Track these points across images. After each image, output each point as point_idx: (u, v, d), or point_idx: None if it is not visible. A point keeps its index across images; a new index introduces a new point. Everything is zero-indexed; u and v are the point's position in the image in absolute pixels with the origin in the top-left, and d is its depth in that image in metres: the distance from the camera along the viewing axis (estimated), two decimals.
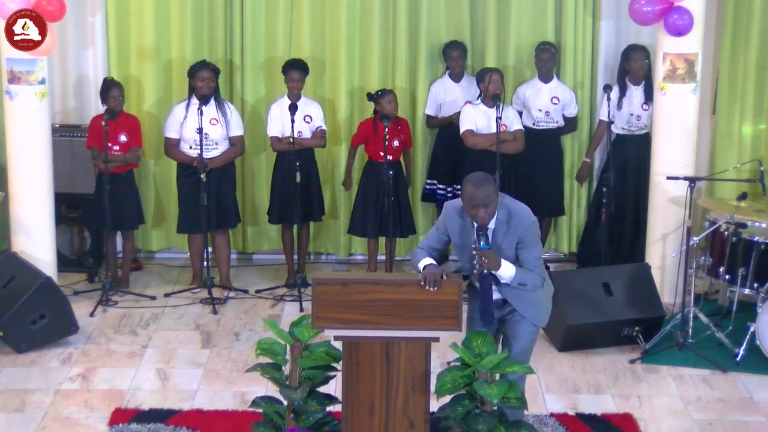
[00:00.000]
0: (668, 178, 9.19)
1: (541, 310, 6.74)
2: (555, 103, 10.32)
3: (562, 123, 10.43)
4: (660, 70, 9.42)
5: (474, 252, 6.45)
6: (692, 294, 8.79)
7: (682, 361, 8.54)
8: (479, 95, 10.02)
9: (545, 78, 10.35)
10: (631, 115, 10.16)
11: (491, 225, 6.49)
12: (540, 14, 10.61)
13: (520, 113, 10.26)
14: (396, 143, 9.95)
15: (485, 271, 6.47)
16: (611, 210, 9.99)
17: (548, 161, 10.39)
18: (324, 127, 10.08)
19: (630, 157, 10.20)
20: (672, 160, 9.47)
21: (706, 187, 10.58)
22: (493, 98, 9.74)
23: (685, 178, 8.99)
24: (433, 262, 6.41)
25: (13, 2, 8.99)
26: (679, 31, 9.16)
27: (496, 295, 6.63)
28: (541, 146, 10.25)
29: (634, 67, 10.16)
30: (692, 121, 9.50)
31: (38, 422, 7.52)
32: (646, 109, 10.20)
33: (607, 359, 8.64)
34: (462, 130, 9.94)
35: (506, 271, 6.48)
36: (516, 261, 6.52)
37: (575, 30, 10.58)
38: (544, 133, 10.35)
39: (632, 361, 8.56)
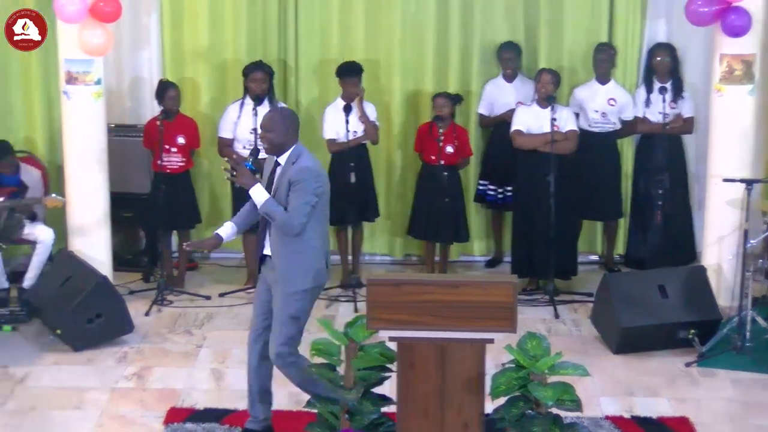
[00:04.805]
0: (724, 180, 9.12)
1: (297, 276, 6.87)
2: (612, 105, 10.27)
3: (618, 125, 10.38)
4: (716, 71, 9.34)
5: (231, 162, 6.92)
6: (749, 297, 8.71)
7: (740, 364, 8.46)
8: (534, 96, 9.98)
9: (602, 79, 10.31)
10: (659, 113, 10.10)
11: (282, 161, 6.87)
12: (594, 15, 10.58)
13: (577, 115, 10.20)
14: (450, 149, 9.92)
15: (237, 185, 7.00)
16: (664, 212, 10.00)
17: (604, 164, 10.35)
18: (377, 123, 10.09)
19: (659, 155, 10.14)
20: (728, 161, 9.40)
21: (764, 189, 10.48)
22: (547, 99, 9.70)
23: (742, 180, 8.92)
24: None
25: (72, 4, 9.05)
26: (736, 32, 9.08)
27: (266, 251, 6.96)
28: (597, 149, 10.21)
29: (659, 65, 10.23)
30: (749, 123, 9.42)
31: (95, 420, 7.57)
32: (673, 107, 10.16)
33: (662, 362, 8.58)
34: (511, 130, 9.90)
35: (258, 195, 6.82)
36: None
37: (626, 31, 10.55)
38: (600, 135, 10.29)
39: (688, 364, 8.49)
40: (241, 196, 9.82)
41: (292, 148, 6.86)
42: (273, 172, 6.91)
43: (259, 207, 6.84)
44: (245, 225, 7.17)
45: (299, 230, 6.76)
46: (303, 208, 6.73)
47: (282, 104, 10.07)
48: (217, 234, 7.05)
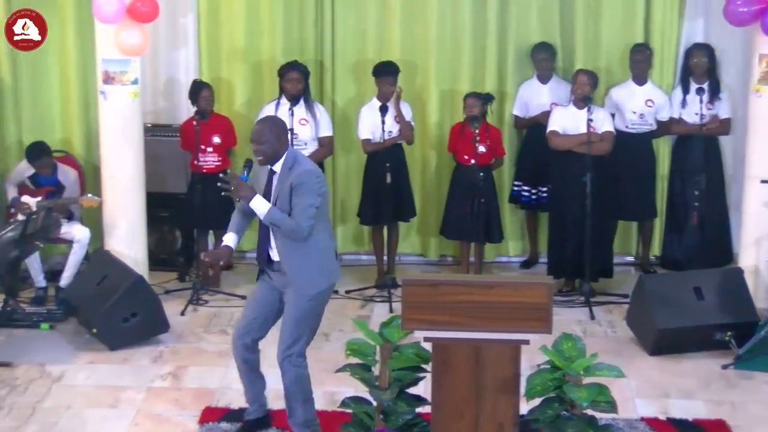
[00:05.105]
0: (762, 181, 9.07)
1: (311, 278, 6.85)
2: (650, 106, 10.23)
3: (654, 126, 10.34)
4: (755, 71, 9.29)
5: (226, 177, 6.88)
6: None
7: None
8: (571, 97, 9.95)
9: (639, 80, 10.27)
10: (696, 114, 10.05)
11: (277, 169, 6.82)
12: (631, 15, 10.54)
13: (613, 115, 10.15)
14: (482, 149, 9.89)
15: (237, 200, 6.95)
16: (700, 213, 9.96)
17: (640, 165, 10.32)
18: (413, 123, 10.08)
19: (695, 157, 10.09)
20: (766, 163, 9.35)
21: None
22: (583, 100, 9.66)
23: None
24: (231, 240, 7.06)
25: (109, 5, 9.09)
26: None
27: (274, 256, 6.90)
28: (633, 149, 10.17)
29: (696, 66, 10.19)
30: None
31: (131, 419, 7.61)
32: (710, 108, 10.10)
33: (698, 364, 8.54)
34: (547, 130, 9.88)
35: (259, 206, 6.78)
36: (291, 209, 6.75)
37: (663, 31, 10.51)
38: (637, 136, 10.26)
39: (725, 367, 8.44)
40: None
41: (285, 154, 6.83)
42: (269, 181, 6.88)
43: (263, 218, 6.81)
44: (244, 230, 7.21)
45: (307, 233, 6.74)
46: (308, 210, 6.71)
47: (318, 103, 10.12)
48: (228, 246, 7.08)
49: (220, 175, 7.01)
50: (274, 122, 6.97)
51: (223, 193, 6.95)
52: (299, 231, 6.71)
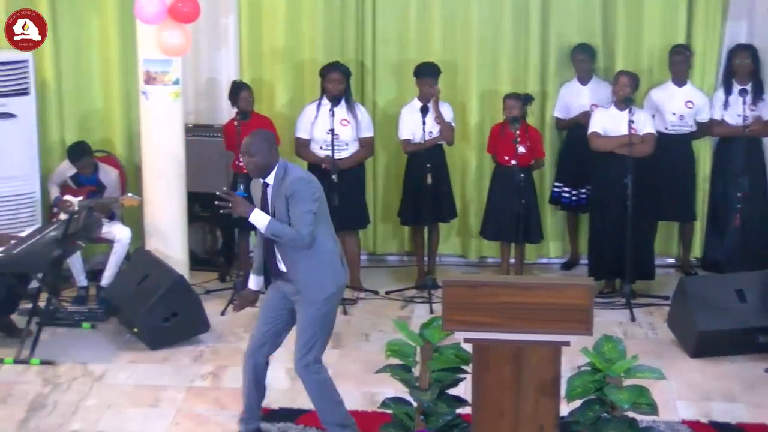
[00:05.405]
0: None
1: (318, 284, 6.84)
2: (690, 107, 10.17)
3: (694, 127, 10.28)
4: None
5: (223, 194, 6.92)
6: None
7: None
8: (612, 98, 9.91)
9: (679, 82, 10.21)
10: (738, 116, 9.99)
11: (270, 181, 6.83)
12: (673, 16, 10.47)
13: (653, 117, 10.10)
14: (522, 150, 9.86)
15: (234, 216, 6.97)
16: (743, 215, 9.89)
17: (680, 166, 10.26)
18: (453, 124, 10.07)
19: (738, 158, 10.03)
20: None
21: None
22: (624, 101, 9.62)
23: None
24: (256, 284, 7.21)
25: (151, 6, 9.13)
26: None
27: (281, 267, 6.92)
28: (673, 151, 10.12)
29: (739, 67, 10.12)
30: None
31: (171, 418, 7.64)
32: (753, 110, 10.03)
33: (740, 367, 8.47)
34: (588, 132, 9.85)
35: (258, 219, 6.81)
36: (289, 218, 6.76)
37: (706, 32, 10.44)
38: (677, 138, 10.20)
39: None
40: None
41: (276, 166, 6.83)
42: (264, 194, 6.90)
43: (263, 230, 6.82)
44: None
45: (309, 240, 6.73)
46: (306, 217, 6.70)
47: (359, 104, 10.13)
48: (253, 290, 7.23)
49: (217, 192, 6.97)
50: (264, 134, 7.00)
51: (221, 211, 6.96)
52: (301, 239, 6.72)
